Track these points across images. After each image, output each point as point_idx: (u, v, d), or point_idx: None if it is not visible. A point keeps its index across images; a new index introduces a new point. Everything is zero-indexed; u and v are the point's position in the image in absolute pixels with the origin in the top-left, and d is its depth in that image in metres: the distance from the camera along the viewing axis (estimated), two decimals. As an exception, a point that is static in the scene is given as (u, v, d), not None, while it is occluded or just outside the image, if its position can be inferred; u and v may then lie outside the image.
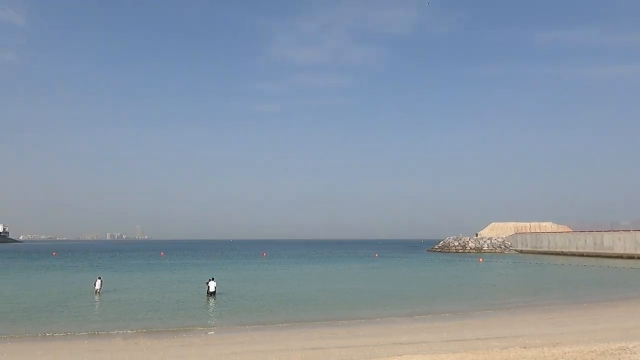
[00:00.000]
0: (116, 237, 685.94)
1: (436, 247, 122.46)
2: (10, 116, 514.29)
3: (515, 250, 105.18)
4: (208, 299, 30.47)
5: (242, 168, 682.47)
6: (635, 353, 12.21)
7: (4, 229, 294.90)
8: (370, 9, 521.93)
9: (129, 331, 20.13)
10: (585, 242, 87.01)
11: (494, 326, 20.22)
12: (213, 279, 32.48)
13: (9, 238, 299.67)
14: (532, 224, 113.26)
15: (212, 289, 31.51)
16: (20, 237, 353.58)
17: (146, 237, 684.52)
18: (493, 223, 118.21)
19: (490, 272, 54.45)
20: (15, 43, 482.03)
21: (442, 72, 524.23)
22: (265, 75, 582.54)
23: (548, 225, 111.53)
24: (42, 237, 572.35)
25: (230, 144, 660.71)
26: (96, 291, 33.26)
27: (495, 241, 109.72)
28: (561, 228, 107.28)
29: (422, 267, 67.33)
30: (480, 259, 79.59)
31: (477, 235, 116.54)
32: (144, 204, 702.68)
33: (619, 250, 79.45)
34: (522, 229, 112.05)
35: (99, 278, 34.65)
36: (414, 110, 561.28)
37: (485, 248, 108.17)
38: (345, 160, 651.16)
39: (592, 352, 12.58)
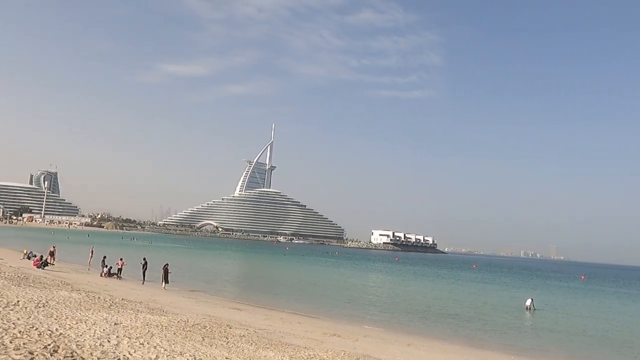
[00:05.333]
0: (530, 255, 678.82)
1: None
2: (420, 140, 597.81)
3: None
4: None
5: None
6: None
7: (433, 241, 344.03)
8: None
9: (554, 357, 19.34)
10: None
11: None
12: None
13: (437, 249, 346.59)
14: None
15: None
16: (445, 249, 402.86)
17: (562, 257, 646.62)
18: None
19: None
20: (435, 80, 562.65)
21: None
22: None
23: None
24: (463, 250, 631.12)
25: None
26: (526, 307, 33.65)
27: None
28: None
29: None
30: None
31: None
32: (561, 224, 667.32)
33: None
34: None
35: (531, 299, 34.64)
36: None
37: None
38: None
39: None
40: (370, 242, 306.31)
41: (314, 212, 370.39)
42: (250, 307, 25.23)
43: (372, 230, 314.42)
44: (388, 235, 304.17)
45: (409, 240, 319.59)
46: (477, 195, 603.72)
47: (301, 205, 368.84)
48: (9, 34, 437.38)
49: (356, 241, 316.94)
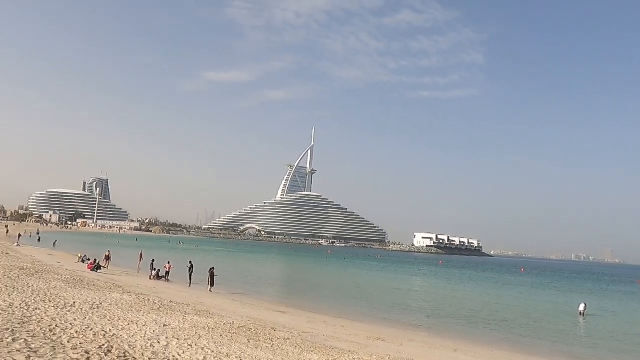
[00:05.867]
0: (582, 258, 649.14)
1: None
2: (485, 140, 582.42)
3: None
4: None
5: None
6: None
7: (478, 244, 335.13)
8: None
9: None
10: None
11: None
12: None
13: (483, 252, 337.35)
14: None
15: None
16: (492, 252, 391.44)
17: (617, 260, 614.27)
18: None
19: None
20: (477, 78, 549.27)
21: None
22: None
23: None
24: (509, 253, 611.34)
25: None
26: (580, 313, 32.21)
27: None
28: None
29: None
30: None
31: None
32: (616, 225, 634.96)
33: None
34: None
35: (585, 303, 33.11)
36: None
37: None
38: None
39: None
40: (412, 245, 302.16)
41: (355, 215, 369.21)
42: (293, 310, 25.35)
43: (415, 233, 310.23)
44: (431, 238, 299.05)
45: (452, 243, 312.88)
46: (524, 197, 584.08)
47: (342, 209, 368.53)
48: (62, 38, 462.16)
49: (398, 244, 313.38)
